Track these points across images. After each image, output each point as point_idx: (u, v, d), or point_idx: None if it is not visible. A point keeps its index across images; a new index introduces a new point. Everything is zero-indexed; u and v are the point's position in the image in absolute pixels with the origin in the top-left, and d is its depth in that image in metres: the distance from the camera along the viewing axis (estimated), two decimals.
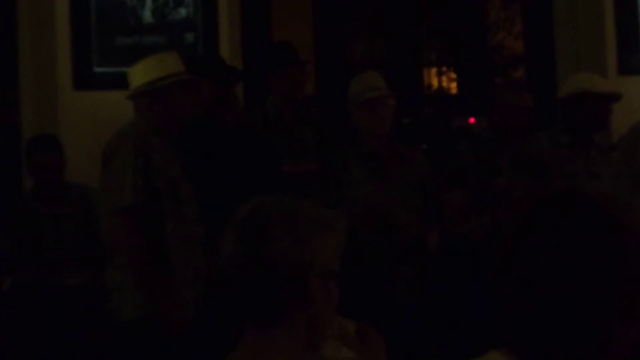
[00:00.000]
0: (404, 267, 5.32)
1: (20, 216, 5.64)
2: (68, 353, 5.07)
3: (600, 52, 7.16)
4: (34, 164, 5.64)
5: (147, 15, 6.12)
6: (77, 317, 5.11)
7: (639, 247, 1.73)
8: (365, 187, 5.32)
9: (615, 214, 1.75)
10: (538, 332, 1.75)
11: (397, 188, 5.36)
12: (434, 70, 8.68)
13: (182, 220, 4.64)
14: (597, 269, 1.70)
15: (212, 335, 4.39)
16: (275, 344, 2.12)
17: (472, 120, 6.88)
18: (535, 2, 7.60)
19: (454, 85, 8.41)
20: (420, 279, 5.36)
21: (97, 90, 5.87)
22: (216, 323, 4.24)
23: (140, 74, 4.78)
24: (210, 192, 4.87)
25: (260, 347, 2.12)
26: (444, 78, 8.69)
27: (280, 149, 5.80)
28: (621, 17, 7.26)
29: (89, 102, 5.92)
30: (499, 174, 5.80)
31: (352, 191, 5.30)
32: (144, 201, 4.48)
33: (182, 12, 6.18)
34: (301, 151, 5.89)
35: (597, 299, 1.71)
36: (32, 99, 6.27)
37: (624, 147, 5.71)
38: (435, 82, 8.83)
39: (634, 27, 7.21)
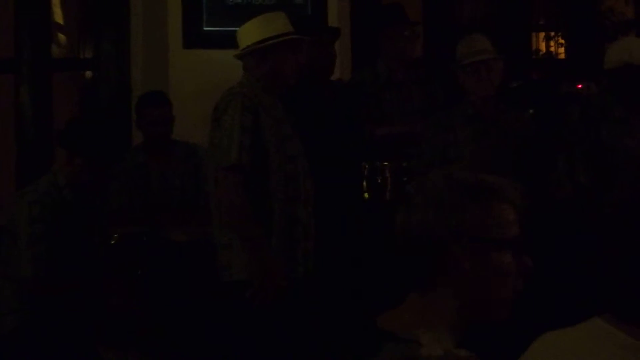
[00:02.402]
0: None
1: (129, 170, 5.74)
2: (174, 309, 5.11)
3: None
4: (144, 118, 5.77)
5: None
6: (183, 273, 5.18)
7: None
8: (469, 148, 5.35)
9: None
10: None
11: (501, 150, 5.36)
12: (542, 35, 8.67)
13: (291, 176, 4.67)
14: None
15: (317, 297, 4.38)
16: (430, 308, 2.13)
17: (580, 86, 6.86)
18: None
19: (562, 50, 8.37)
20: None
21: (206, 49, 5.96)
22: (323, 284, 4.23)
23: (249, 33, 4.81)
24: (316, 150, 4.90)
25: (420, 310, 2.13)
26: (553, 42, 8.65)
27: (390, 108, 5.91)
28: None
29: (198, 60, 6.04)
30: None
31: (457, 152, 5.35)
32: (251, 160, 4.51)
33: None
34: (411, 111, 5.93)
35: None
36: (143, 57, 6.43)
37: None
38: (543, 47, 8.83)
39: None
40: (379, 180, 5.62)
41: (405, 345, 2.04)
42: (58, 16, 7.51)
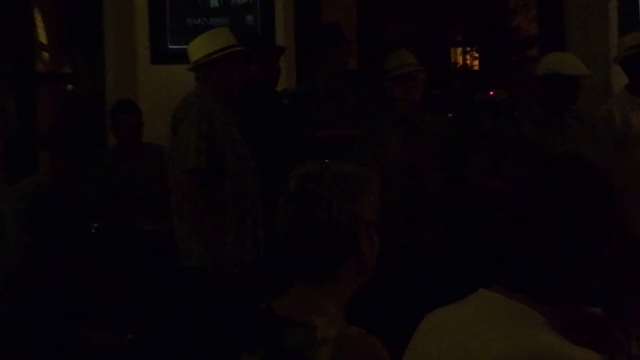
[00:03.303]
0: (430, 217, 5.31)
1: (104, 169, 5.67)
2: (143, 289, 5.12)
3: (604, 32, 7.03)
4: (117, 123, 5.70)
5: (214, 0, 6.14)
6: (151, 258, 5.16)
7: (617, 196, 1.82)
8: (397, 148, 5.29)
9: (600, 172, 1.83)
10: (543, 265, 1.80)
11: (425, 150, 5.33)
12: (460, 49, 8.70)
13: (241, 175, 4.65)
14: (590, 211, 1.78)
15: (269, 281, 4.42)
16: (324, 293, 2.12)
17: (492, 93, 6.83)
18: None
19: (476, 62, 8.40)
20: (444, 228, 5.37)
21: (170, 65, 5.86)
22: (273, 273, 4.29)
23: (198, 48, 4.80)
24: (262, 150, 4.88)
25: (313, 294, 2.12)
26: (468, 56, 8.69)
27: (328, 114, 5.84)
28: (623, 1, 7.12)
29: (163, 74, 5.96)
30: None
31: (386, 152, 5.28)
32: (207, 162, 4.50)
33: None
34: (346, 116, 5.87)
35: (590, 233, 1.79)
36: (115, 71, 6.33)
37: (604, 114, 5.66)
38: (460, 60, 8.85)
39: (635, 8, 7.10)
40: None
41: (303, 329, 2.05)
42: (42, 37, 7.46)
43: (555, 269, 1.79)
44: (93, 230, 5.33)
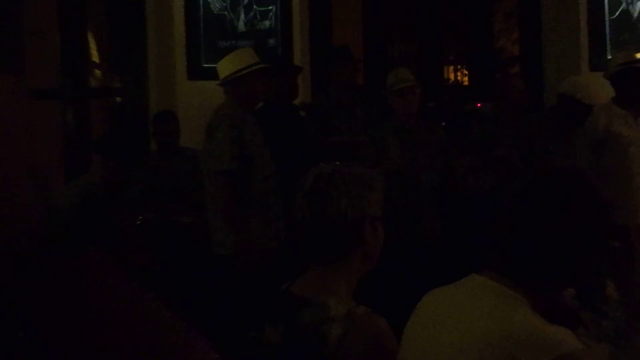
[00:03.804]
0: (426, 212, 5.32)
1: (147, 170, 5.65)
2: (181, 274, 5.04)
3: (576, 55, 7.04)
4: (157, 130, 5.74)
5: (241, 25, 6.14)
6: (187, 247, 5.13)
7: (606, 205, 1.80)
8: (396, 153, 5.30)
9: (591, 183, 1.82)
10: (532, 259, 1.79)
11: (421, 153, 5.33)
12: (451, 67, 8.51)
13: (265, 176, 4.67)
14: (579, 215, 1.77)
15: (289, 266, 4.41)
16: (335, 276, 2.13)
17: (479, 105, 6.82)
18: (528, 16, 7.49)
19: (466, 78, 8.20)
20: (438, 222, 5.37)
21: (204, 80, 5.82)
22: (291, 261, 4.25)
23: (226, 67, 4.80)
24: (282, 154, 4.88)
25: (325, 278, 2.14)
26: (459, 73, 8.50)
27: (339, 123, 5.86)
28: (592, 27, 7.17)
29: (198, 89, 5.94)
30: (499, 144, 5.77)
31: (388, 155, 5.29)
32: (238, 165, 4.52)
33: (267, 23, 6.20)
34: (354, 126, 5.87)
35: (581, 238, 1.77)
36: (157, 86, 6.34)
37: (589, 121, 5.62)
38: (452, 76, 8.65)
39: (602, 35, 7.12)
40: None
41: (317, 307, 2.06)
42: (95, 57, 7.46)
43: (546, 266, 1.78)
44: (138, 222, 5.27)
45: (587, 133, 5.50)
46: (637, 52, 5.65)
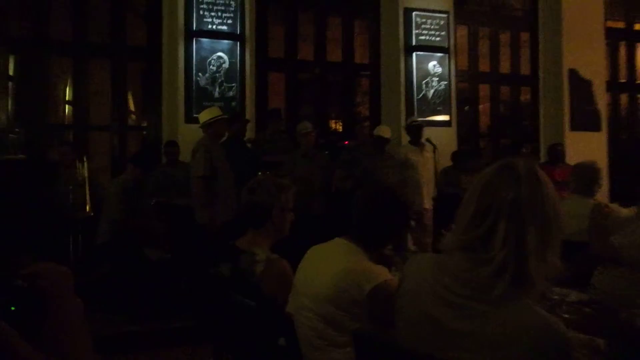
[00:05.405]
0: (316, 201, 5.09)
1: (158, 174, 5.37)
2: (179, 234, 4.74)
3: (396, 108, 6.32)
4: (166, 151, 5.53)
5: (216, 94, 5.78)
6: (182, 217, 4.76)
7: (405, 203, 1.80)
8: (302, 170, 5.17)
9: (398, 192, 1.79)
10: (369, 231, 1.75)
11: (315, 170, 5.25)
12: (333, 121, 7.48)
13: (226, 178, 4.48)
14: (393, 209, 1.75)
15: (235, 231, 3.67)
16: (260, 236, 2.08)
17: (346, 142, 6.23)
18: (372, 94, 6.63)
19: (340, 127, 7.13)
20: (324, 206, 5.10)
21: (193, 124, 5.38)
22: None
23: (203, 116, 4.61)
24: (237, 168, 4.58)
25: (255, 238, 2.08)
26: (337, 124, 7.41)
27: (270, 151, 5.42)
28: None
29: (190, 128, 5.61)
30: (354, 166, 5.42)
31: (296, 171, 5.13)
32: (210, 172, 4.36)
33: (231, 93, 5.81)
34: (279, 152, 5.46)
35: (394, 219, 1.74)
36: (167, 125, 5.85)
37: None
38: (334, 126, 7.52)
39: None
40: None
41: (249, 255, 2.00)
42: (130, 105, 7.05)
43: (376, 235, 1.76)
44: (152, 203, 5.08)
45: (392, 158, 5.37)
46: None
